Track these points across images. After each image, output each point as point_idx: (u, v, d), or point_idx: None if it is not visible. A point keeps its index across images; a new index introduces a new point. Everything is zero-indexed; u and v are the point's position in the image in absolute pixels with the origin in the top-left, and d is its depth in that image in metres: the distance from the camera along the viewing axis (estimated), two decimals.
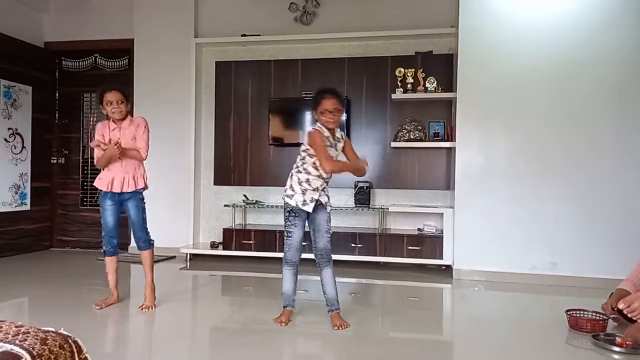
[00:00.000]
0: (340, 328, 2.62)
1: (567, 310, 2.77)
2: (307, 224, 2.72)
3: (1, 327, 1.25)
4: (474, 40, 3.98)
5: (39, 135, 5.10)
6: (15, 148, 4.83)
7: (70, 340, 1.26)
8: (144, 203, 3.04)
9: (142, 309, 2.96)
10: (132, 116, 3.07)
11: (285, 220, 2.68)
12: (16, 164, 4.85)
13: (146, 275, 3.06)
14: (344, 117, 4.51)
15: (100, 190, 2.99)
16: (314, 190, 2.64)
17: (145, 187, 3.04)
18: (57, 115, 5.35)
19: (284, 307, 2.75)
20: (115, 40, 5.11)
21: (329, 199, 2.71)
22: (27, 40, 4.98)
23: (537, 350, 2.43)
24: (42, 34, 5.24)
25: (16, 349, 1.14)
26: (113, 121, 2.98)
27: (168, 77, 4.91)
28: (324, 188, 2.70)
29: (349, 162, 2.77)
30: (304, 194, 2.64)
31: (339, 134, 2.73)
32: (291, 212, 2.66)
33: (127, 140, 2.95)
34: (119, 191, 2.94)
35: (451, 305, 3.57)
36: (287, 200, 2.67)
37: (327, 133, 2.66)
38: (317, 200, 2.65)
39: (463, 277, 3.98)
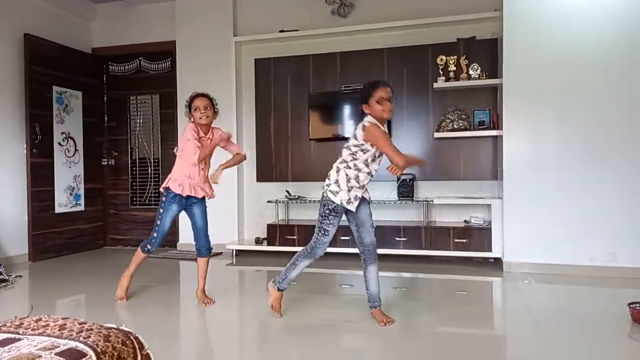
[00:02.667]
0: (388, 324, 2.61)
1: (630, 304, 2.66)
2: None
3: (65, 325, 1.31)
4: (520, 24, 3.86)
5: (89, 138, 5.36)
6: (68, 151, 5.10)
7: (131, 337, 1.31)
8: (206, 210, 3.14)
9: (202, 303, 3.07)
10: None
11: (323, 217, 2.60)
12: (70, 167, 5.12)
13: (199, 282, 3.14)
14: None
15: (167, 193, 3.01)
16: (360, 187, 2.60)
17: (213, 196, 3.14)
18: (106, 118, 5.60)
19: (277, 289, 2.76)
20: (158, 42, 5.28)
21: (369, 193, 2.70)
22: (76, 47, 5.24)
23: (597, 345, 2.35)
24: (90, 40, 5.50)
25: (81, 346, 1.18)
26: (202, 130, 3.03)
27: (209, 77, 5.03)
28: (368, 184, 2.68)
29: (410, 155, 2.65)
30: (349, 191, 2.57)
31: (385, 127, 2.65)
32: (332, 210, 2.59)
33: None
34: (199, 196, 3.02)
35: (502, 298, 3.51)
36: (331, 196, 2.59)
37: (383, 127, 2.59)
38: (360, 198, 2.62)
39: (513, 270, 3.89)
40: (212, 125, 3.09)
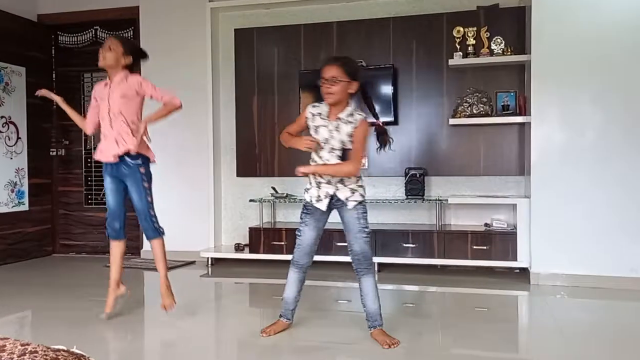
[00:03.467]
0: (392, 346, 2.58)
1: None
2: (319, 224, 2.71)
3: (4, 347, 1.27)
4: None
5: (35, 124, 5.28)
6: (9, 139, 5.01)
7: None
8: (147, 181, 3.03)
9: (164, 308, 3.06)
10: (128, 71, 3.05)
11: (300, 217, 2.73)
12: (11, 158, 5.03)
13: (159, 271, 3.12)
14: (389, 90, 4.45)
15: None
16: (327, 183, 2.62)
17: (143, 158, 3.01)
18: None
19: (279, 315, 2.80)
20: (118, 9, 5.20)
21: (355, 191, 2.62)
22: (18, 13, 5.14)
23: None
24: (35, 5, 5.40)
25: None
26: (109, 77, 3.04)
27: (179, 51, 4.96)
28: (342, 179, 2.62)
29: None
30: (318, 187, 2.64)
31: (346, 114, 2.58)
32: (305, 207, 2.70)
33: (116, 98, 2.98)
34: (107, 160, 2.99)
35: (529, 316, 3.48)
36: (304, 194, 2.72)
37: (322, 109, 2.62)
38: (332, 197, 2.62)
39: (542, 282, 3.87)
40: (129, 72, 3.04)
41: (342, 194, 2.61)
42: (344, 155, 2.60)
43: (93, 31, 5.41)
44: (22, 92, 5.15)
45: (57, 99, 3.17)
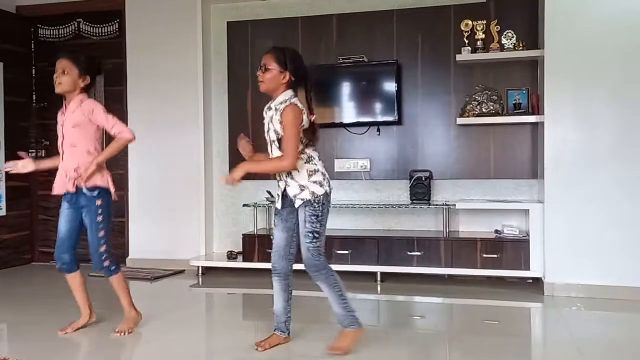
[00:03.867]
0: (334, 351, 2.65)
1: None
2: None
3: None
4: None
5: (13, 123, 5.28)
6: None
7: None
8: (102, 215, 2.99)
9: (116, 334, 3.04)
10: (85, 94, 3.05)
11: None
12: None
13: (122, 303, 3.12)
14: (393, 87, 4.47)
15: None
16: (280, 180, 2.72)
17: (100, 190, 2.99)
18: (34, 98, 5.53)
19: (274, 329, 2.83)
20: (103, 0, 5.22)
21: (305, 188, 2.62)
22: None
23: None
24: None
25: None
26: (66, 103, 3.06)
27: (169, 45, 4.99)
28: (291, 174, 2.65)
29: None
30: (278, 186, 2.74)
31: (277, 102, 2.65)
32: (275, 209, 2.81)
33: (68, 129, 2.98)
34: (57, 193, 3.02)
35: (543, 329, 3.50)
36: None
37: (269, 104, 2.73)
38: (283, 194, 2.70)
39: (557, 294, 3.89)
40: (85, 97, 3.03)
41: (291, 191, 2.66)
42: (282, 145, 2.64)
43: (76, 24, 5.42)
44: (0, 89, 5.16)
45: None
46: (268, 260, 4.53)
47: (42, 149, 5.51)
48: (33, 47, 5.53)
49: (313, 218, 2.63)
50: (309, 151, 2.68)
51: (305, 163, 2.65)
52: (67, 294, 3.24)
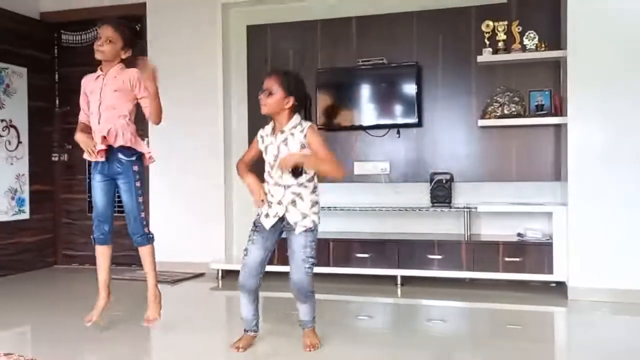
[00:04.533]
0: (310, 349, 2.74)
1: None
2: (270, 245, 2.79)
3: None
4: None
5: (37, 128, 5.37)
6: (9, 144, 5.11)
7: None
8: (139, 180, 3.05)
9: (146, 323, 3.07)
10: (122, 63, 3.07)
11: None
12: (12, 164, 5.13)
13: (148, 280, 3.14)
14: (413, 89, 4.46)
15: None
16: (278, 203, 2.68)
17: (138, 153, 3.04)
18: (57, 102, 5.61)
19: (244, 330, 2.86)
20: (124, 6, 5.28)
21: (307, 215, 2.66)
22: (19, 11, 5.25)
23: None
24: (37, 3, 5.51)
25: None
26: (102, 68, 3.07)
27: (188, 49, 5.02)
28: (294, 201, 2.66)
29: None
30: (269, 205, 2.71)
31: (291, 126, 2.67)
32: (254, 224, 2.78)
33: (109, 92, 2.99)
34: (95, 159, 2.99)
35: (566, 334, 3.45)
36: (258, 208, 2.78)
37: (267, 129, 2.75)
38: (282, 219, 2.68)
39: (582, 298, 3.83)
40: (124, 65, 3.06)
41: (292, 217, 2.66)
42: (296, 170, 2.64)
43: (98, 29, 5.48)
44: (24, 94, 5.25)
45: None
46: (287, 263, 4.55)
47: (64, 152, 5.59)
48: (56, 52, 5.61)
49: (313, 244, 2.69)
50: (315, 181, 2.72)
51: (311, 193, 2.70)
52: (90, 296, 3.27)
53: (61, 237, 5.62)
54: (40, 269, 5.36)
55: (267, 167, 2.74)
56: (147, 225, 3.13)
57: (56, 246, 5.59)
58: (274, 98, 2.65)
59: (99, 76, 3.07)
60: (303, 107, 2.74)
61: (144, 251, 3.13)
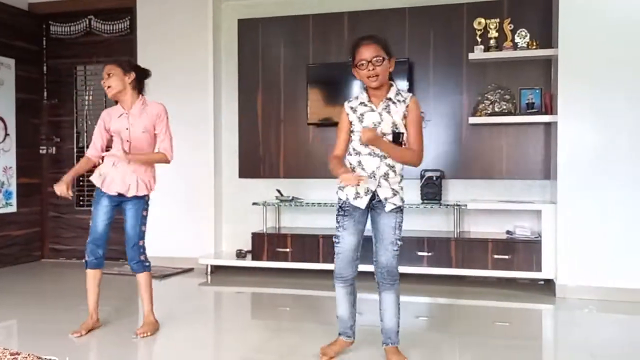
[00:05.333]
0: None
1: None
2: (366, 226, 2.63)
3: None
4: None
5: (24, 120, 5.32)
6: None
7: None
8: (146, 209, 3.10)
9: (135, 334, 3.02)
10: (143, 95, 3.12)
11: (336, 221, 2.61)
12: None
13: (143, 306, 3.13)
14: (404, 86, 4.45)
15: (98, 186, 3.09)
16: (369, 176, 2.50)
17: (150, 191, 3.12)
18: (45, 94, 5.56)
19: (338, 334, 2.72)
20: None
21: (397, 193, 2.52)
22: (7, 2, 5.18)
23: None
24: None
25: None
26: (122, 106, 3.07)
27: (179, 42, 4.99)
28: (387, 174, 2.51)
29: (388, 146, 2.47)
30: (358, 183, 2.46)
31: (394, 93, 2.53)
32: (340, 208, 2.59)
33: (137, 133, 3.02)
34: (116, 194, 3.02)
35: (554, 332, 3.47)
36: (338, 192, 2.60)
37: (361, 97, 2.57)
38: (374, 193, 2.53)
39: (569, 295, 3.86)
40: (147, 99, 3.10)
41: (383, 192, 2.51)
42: (396, 138, 2.50)
43: (87, 21, 5.45)
44: (11, 86, 5.19)
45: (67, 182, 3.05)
46: (277, 259, 4.57)
47: (52, 145, 5.54)
48: (45, 43, 5.56)
49: (401, 224, 2.55)
50: None
51: (401, 166, 2.55)
52: (76, 290, 3.25)
53: (48, 231, 5.58)
54: (27, 263, 5.32)
55: (356, 138, 2.54)
56: (144, 253, 3.12)
57: (43, 240, 5.56)
58: (384, 65, 2.48)
59: (122, 114, 3.05)
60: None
61: (139, 278, 3.13)
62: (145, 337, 3.00)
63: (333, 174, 2.54)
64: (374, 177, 2.51)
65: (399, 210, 2.54)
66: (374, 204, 2.55)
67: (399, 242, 2.56)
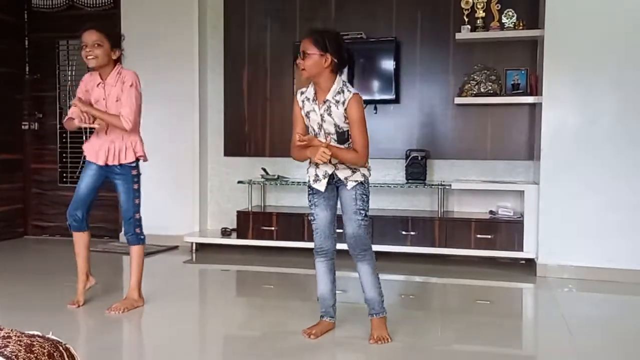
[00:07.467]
0: (378, 342, 2.59)
1: None
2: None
3: None
4: None
5: (6, 95, 5.24)
6: None
7: (60, 347, 1.30)
8: (137, 182, 3.09)
9: (107, 311, 3.02)
10: (120, 64, 3.09)
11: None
12: None
13: (131, 277, 3.14)
14: (390, 65, 4.45)
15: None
16: (324, 163, 2.56)
17: (138, 160, 3.09)
18: (27, 69, 5.48)
19: (320, 316, 2.76)
20: None
21: (357, 170, 2.61)
22: None
23: None
24: None
25: None
26: (100, 74, 3.02)
27: (164, 18, 4.92)
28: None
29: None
30: (316, 166, 2.63)
31: (333, 94, 2.55)
32: (309, 188, 2.71)
33: (112, 102, 2.99)
34: (102, 164, 3.01)
35: (534, 310, 3.53)
36: (306, 174, 2.72)
37: (309, 92, 2.62)
38: (331, 176, 2.62)
39: (550, 275, 3.92)
40: (121, 68, 3.05)
41: (342, 173, 2.61)
42: (341, 137, 2.58)
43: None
44: None
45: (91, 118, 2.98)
46: (262, 237, 4.59)
47: (35, 121, 5.48)
48: (26, 16, 5.45)
49: (364, 197, 2.63)
50: None
51: None
52: (60, 267, 3.25)
53: (31, 208, 5.54)
54: (10, 240, 5.29)
55: (310, 131, 2.64)
56: (140, 226, 3.13)
57: (26, 217, 5.52)
58: (311, 59, 2.52)
59: (99, 83, 3.01)
60: (345, 66, 2.61)
61: (132, 250, 3.14)
62: (118, 314, 2.99)
63: (301, 160, 2.66)
64: (330, 162, 2.57)
65: (360, 184, 2.62)
66: (337, 183, 2.65)
67: (362, 212, 2.63)
